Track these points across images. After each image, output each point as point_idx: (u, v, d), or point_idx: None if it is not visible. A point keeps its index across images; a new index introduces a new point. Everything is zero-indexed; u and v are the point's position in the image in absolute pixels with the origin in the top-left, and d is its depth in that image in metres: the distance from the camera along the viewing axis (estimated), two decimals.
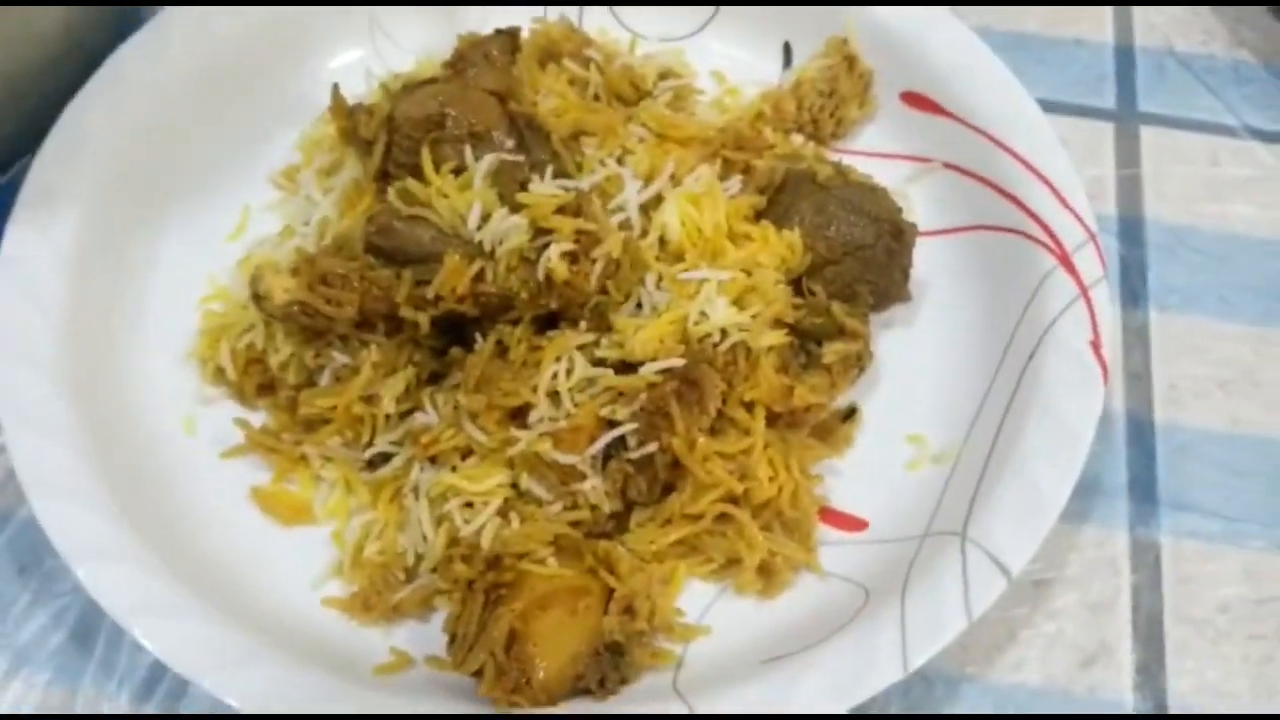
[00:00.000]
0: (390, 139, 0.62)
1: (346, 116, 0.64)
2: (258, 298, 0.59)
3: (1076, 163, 0.69)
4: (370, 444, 0.60)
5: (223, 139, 0.71)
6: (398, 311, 0.58)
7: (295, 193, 0.69)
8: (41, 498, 0.55)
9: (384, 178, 0.63)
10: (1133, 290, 0.71)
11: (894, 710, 0.57)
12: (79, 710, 0.56)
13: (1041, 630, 0.60)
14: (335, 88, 0.65)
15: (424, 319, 0.58)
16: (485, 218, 0.58)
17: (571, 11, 0.75)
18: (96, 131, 0.66)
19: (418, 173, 0.61)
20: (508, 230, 0.58)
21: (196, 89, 0.70)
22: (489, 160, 0.60)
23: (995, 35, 0.79)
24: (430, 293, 0.58)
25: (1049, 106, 0.73)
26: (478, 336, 0.60)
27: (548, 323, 0.60)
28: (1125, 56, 0.81)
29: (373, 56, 0.74)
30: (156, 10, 0.70)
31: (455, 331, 0.61)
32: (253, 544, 0.59)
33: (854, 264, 0.65)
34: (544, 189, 0.59)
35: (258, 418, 0.63)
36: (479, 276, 0.58)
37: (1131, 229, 0.73)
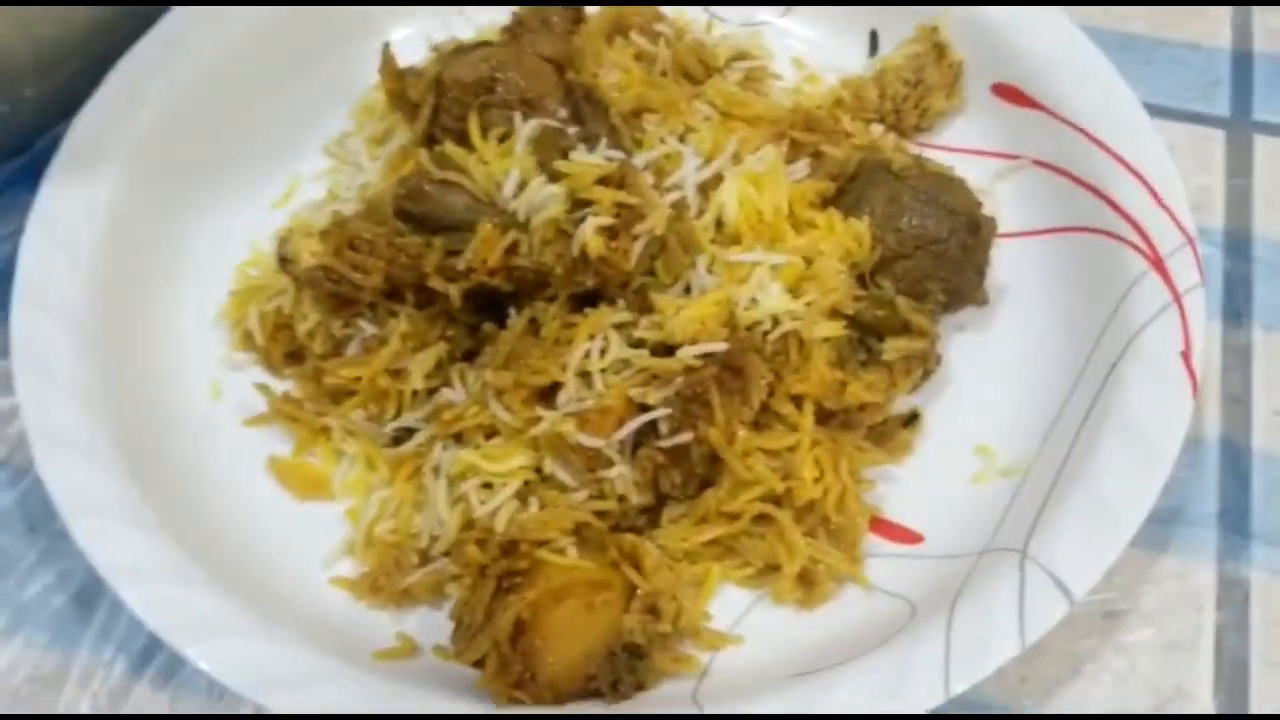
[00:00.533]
0: (438, 102, 0.60)
1: (396, 78, 0.62)
2: (284, 260, 0.57)
3: (1183, 170, 0.65)
4: (397, 419, 0.57)
5: (279, 108, 0.69)
6: (427, 282, 0.56)
7: (347, 161, 0.67)
8: (46, 449, 0.53)
9: (431, 143, 0.60)
10: (1236, 308, 0.65)
11: None
12: (72, 678, 0.54)
13: (1110, 666, 0.55)
14: (386, 47, 0.62)
15: (455, 291, 0.55)
16: (522, 186, 0.55)
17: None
18: (146, 90, 0.65)
19: (465, 139, 0.59)
20: (544, 200, 0.54)
21: (254, 55, 0.68)
22: (532, 125, 0.57)
23: (1101, 35, 0.73)
24: (461, 264, 0.55)
25: (1157, 111, 0.69)
26: (512, 312, 0.57)
27: (587, 301, 0.57)
28: (1243, 62, 0.76)
29: (439, 29, 0.72)
30: None
31: (491, 306, 0.58)
32: (266, 516, 0.57)
33: (925, 259, 0.60)
34: (586, 158, 0.56)
35: (285, 388, 0.61)
36: (512, 249, 0.55)
37: (1238, 242, 0.68)
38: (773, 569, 0.55)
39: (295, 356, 0.60)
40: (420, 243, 0.55)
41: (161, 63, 0.66)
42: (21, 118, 0.63)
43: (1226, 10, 0.78)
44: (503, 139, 0.58)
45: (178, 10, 0.67)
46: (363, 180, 0.63)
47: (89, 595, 0.56)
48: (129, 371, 0.58)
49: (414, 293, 0.57)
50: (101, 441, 0.54)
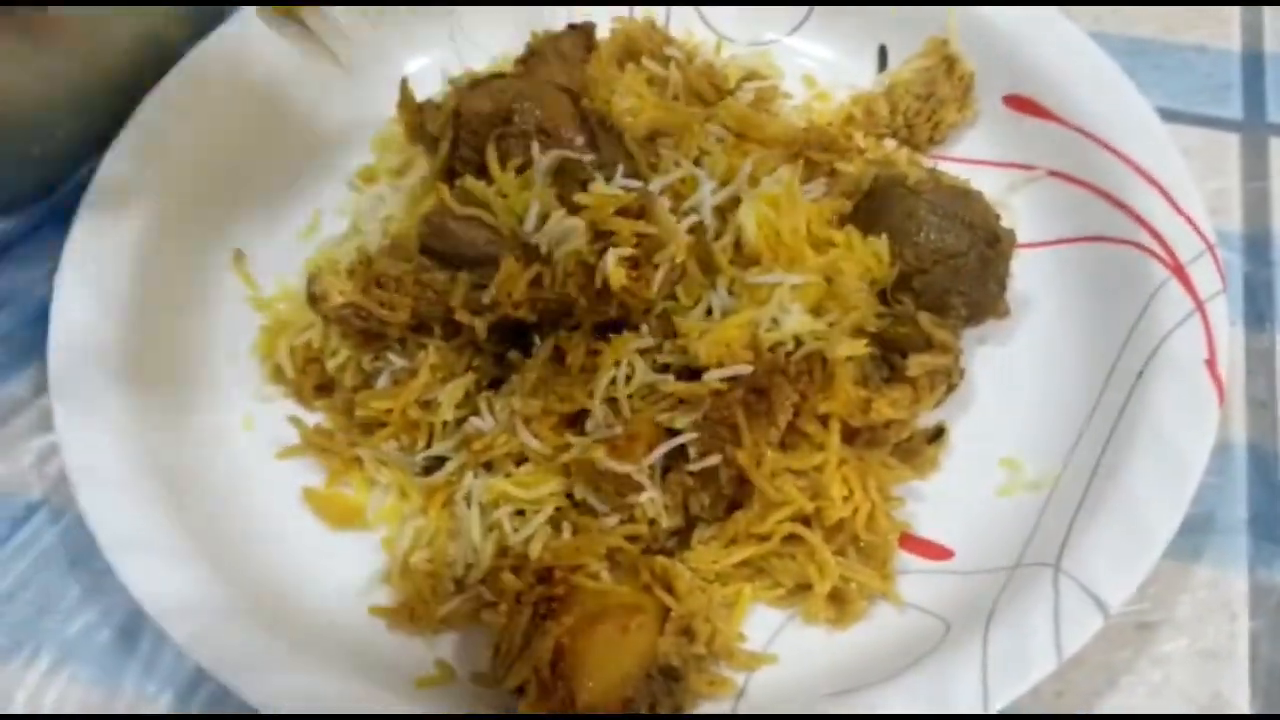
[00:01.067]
0: (456, 134, 0.60)
1: (414, 112, 0.62)
2: (314, 298, 0.57)
3: (1198, 174, 0.65)
4: (428, 448, 0.57)
5: (301, 141, 0.70)
6: (454, 315, 0.56)
7: (368, 193, 0.67)
8: (87, 487, 0.53)
9: (451, 175, 0.60)
10: (1258, 311, 0.65)
11: None
12: (118, 709, 0.54)
13: (1146, 677, 0.54)
14: (404, 82, 0.63)
15: (480, 324, 0.56)
16: (543, 219, 0.55)
17: (658, 13, 0.72)
18: (171, 127, 0.66)
19: (484, 170, 0.59)
20: (565, 232, 0.55)
21: (275, 90, 0.69)
22: (550, 157, 0.57)
23: (1110, 40, 0.74)
24: (486, 298, 0.55)
25: (1169, 115, 0.68)
26: (537, 340, 0.57)
27: (611, 328, 0.57)
28: (1254, 63, 0.76)
29: (452, 59, 0.72)
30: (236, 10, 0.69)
31: (516, 336, 0.58)
32: (302, 546, 0.57)
33: (945, 273, 0.60)
34: (604, 189, 0.55)
35: (316, 419, 0.61)
36: (536, 281, 0.55)
37: (1258, 245, 0.68)
38: (804, 589, 0.55)
39: (325, 389, 0.61)
40: (445, 278, 0.56)
41: (183, 101, 0.66)
42: (52, 159, 0.64)
43: (1236, 13, 0.78)
44: (521, 169, 0.58)
45: (197, 49, 0.67)
46: (385, 213, 0.63)
47: (132, 629, 0.56)
48: (164, 407, 0.59)
49: (441, 325, 0.57)
50: (140, 477, 0.55)
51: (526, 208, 0.56)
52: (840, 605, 0.54)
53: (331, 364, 0.59)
